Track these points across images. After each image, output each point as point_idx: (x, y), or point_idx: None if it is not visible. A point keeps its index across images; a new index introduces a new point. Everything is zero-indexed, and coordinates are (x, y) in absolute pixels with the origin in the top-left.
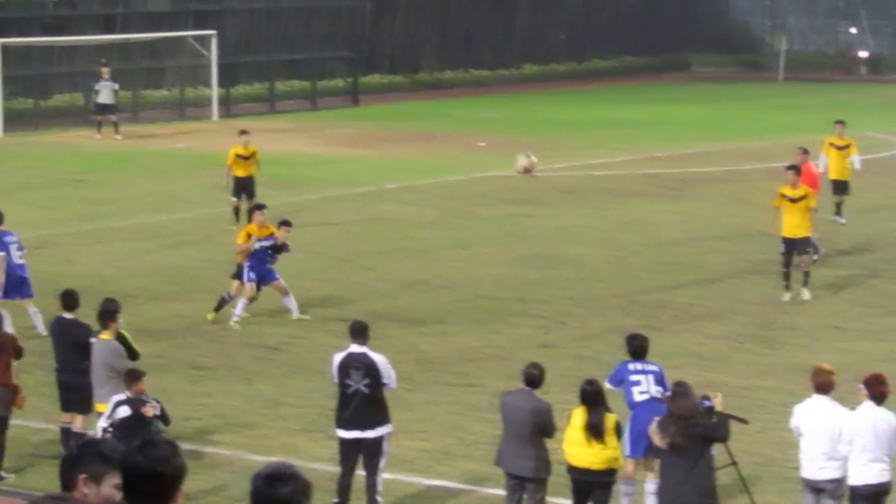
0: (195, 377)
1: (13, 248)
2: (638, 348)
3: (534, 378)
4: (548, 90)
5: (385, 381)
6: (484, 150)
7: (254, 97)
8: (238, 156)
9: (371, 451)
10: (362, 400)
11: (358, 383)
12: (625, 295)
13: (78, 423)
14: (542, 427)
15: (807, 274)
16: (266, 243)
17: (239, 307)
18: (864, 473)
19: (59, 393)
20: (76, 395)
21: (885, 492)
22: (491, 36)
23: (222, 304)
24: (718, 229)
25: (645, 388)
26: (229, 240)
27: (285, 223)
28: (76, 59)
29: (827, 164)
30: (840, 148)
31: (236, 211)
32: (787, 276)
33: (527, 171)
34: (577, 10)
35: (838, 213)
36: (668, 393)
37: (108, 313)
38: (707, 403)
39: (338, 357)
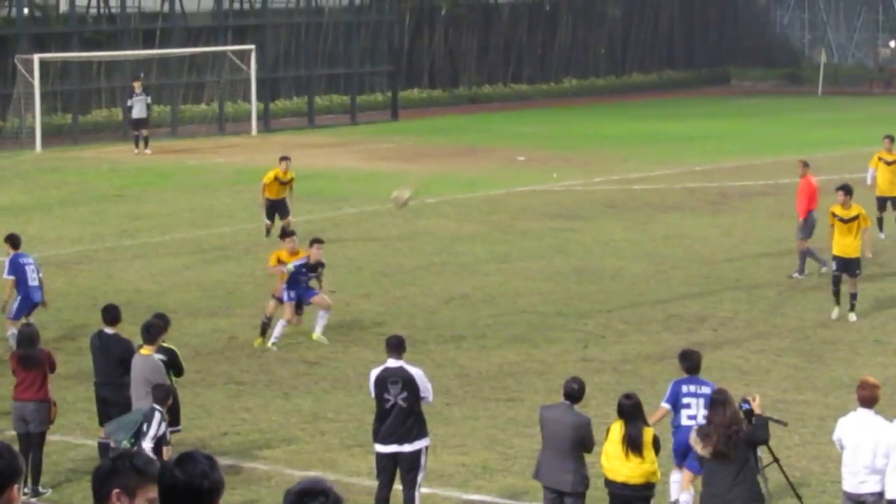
0: (234, 392)
1: (29, 270)
2: (692, 366)
3: (574, 392)
4: (587, 104)
5: (423, 394)
6: (523, 164)
7: (293, 112)
8: (276, 178)
9: (409, 466)
10: (399, 413)
11: (396, 397)
12: (665, 308)
13: None
14: (582, 441)
15: (854, 296)
16: (299, 263)
17: (278, 329)
18: None
19: (98, 408)
20: (115, 411)
21: None
22: (531, 50)
23: (265, 328)
24: (758, 243)
25: (694, 412)
26: (266, 254)
27: (317, 241)
28: (115, 74)
29: (875, 178)
30: (889, 163)
31: (268, 232)
32: (836, 294)
33: (399, 201)
34: (617, 25)
35: (880, 228)
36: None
37: (154, 328)
38: (746, 406)
39: (375, 372)
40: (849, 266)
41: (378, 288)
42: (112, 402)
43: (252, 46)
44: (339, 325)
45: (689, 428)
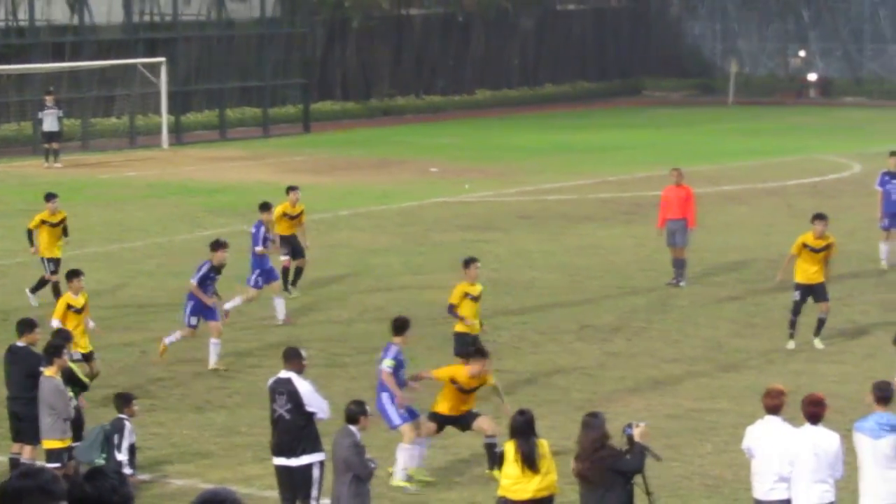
0: (147, 406)
1: None
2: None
3: (350, 413)
4: (501, 116)
5: (309, 409)
6: (437, 175)
7: (205, 125)
8: (285, 214)
9: (300, 481)
10: (284, 425)
11: (281, 408)
12: (579, 319)
13: (27, 453)
14: (350, 464)
15: (822, 322)
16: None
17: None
18: (806, 495)
19: (10, 423)
20: (27, 425)
21: None
22: (444, 61)
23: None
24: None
25: None
26: (187, 268)
27: (222, 244)
28: (25, 87)
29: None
30: None
31: (285, 272)
32: (793, 325)
33: None
34: (530, 36)
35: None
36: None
37: (53, 349)
38: (629, 431)
39: (269, 381)
40: (815, 292)
41: (293, 300)
42: (23, 418)
43: (163, 59)
44: (252, 339)
45: None
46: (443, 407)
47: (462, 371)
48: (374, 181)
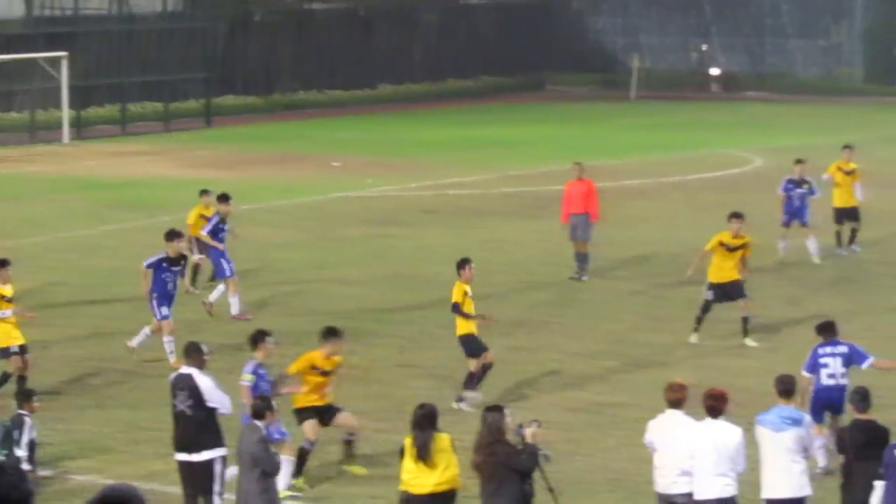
0: (48, 401)
1: None
2: (828, 332)
3: (258, 409)
4: (405, 110)
5: (211, 404)
6: (339, 170)
7: (107, 119)
8: (201, 216)
9: (201, 476)
10: (184, 421)
11: (182, 404)
12: (482, 313)
13: None
14: (257, 460)
15: (746, 320)
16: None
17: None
18: (707, 488)
19: None
20: None
21: None
22: (347, 56)
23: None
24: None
25: (832, 370)
26: (89, 263)
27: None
28: None
29: (832, 186)
30: (848, 173)
31: (196, 269)
32: (700, 321)
33: None
34: (433, 31)
35: (852, 241)
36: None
37: None
38: (521, 432)
39: (171, 377)
40: (731, 290)
41: (192, 296)
42: None
43: (64, 53)
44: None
45: (828, 387)
46: (306, 399)
47: (317, 355)
48: (276, 176)
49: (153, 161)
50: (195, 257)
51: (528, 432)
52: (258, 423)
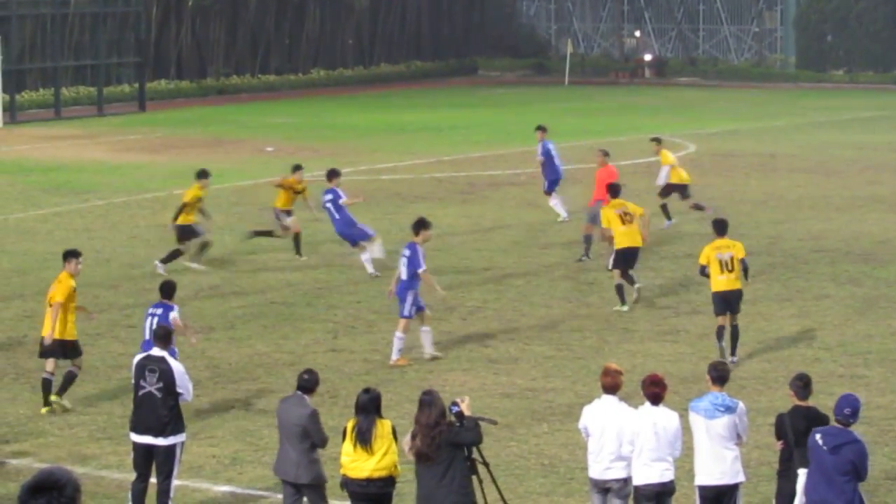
0: None
1: None
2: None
3: (305, 383)
4: (336, 95)
5: (179, 389)
6: (272, 155)
7: (40, 103)
8: (292, 188)
9: (163, 459)
10: (151, 403)
11: (151, 386)
12: None
13: None
14: (307, 432)
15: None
16: None
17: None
18: (646, 473)
19: None
20: None
21: (667, 492)
22: (279, 41)
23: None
24: (506, 232)
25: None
26: (22, 247)
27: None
28: None
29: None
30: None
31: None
32: (620, 290)
33: None
34: (365, 16)
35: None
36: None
37: None
38: (455, 409)
39: (137, 357)
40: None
41: (127, 280)
42: None
43: None
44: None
45: None
46: None
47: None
48: (208, 160)
49: (86, 145)
50: (286, 221)
51: (464, 405)
52: (307, 397)
